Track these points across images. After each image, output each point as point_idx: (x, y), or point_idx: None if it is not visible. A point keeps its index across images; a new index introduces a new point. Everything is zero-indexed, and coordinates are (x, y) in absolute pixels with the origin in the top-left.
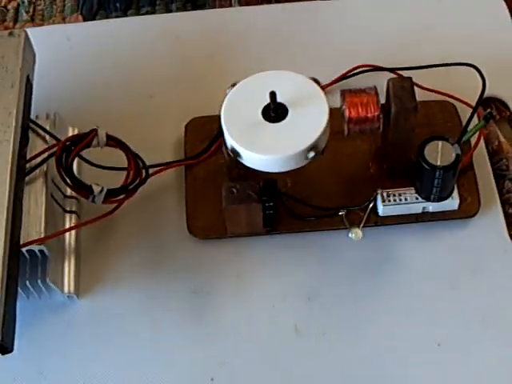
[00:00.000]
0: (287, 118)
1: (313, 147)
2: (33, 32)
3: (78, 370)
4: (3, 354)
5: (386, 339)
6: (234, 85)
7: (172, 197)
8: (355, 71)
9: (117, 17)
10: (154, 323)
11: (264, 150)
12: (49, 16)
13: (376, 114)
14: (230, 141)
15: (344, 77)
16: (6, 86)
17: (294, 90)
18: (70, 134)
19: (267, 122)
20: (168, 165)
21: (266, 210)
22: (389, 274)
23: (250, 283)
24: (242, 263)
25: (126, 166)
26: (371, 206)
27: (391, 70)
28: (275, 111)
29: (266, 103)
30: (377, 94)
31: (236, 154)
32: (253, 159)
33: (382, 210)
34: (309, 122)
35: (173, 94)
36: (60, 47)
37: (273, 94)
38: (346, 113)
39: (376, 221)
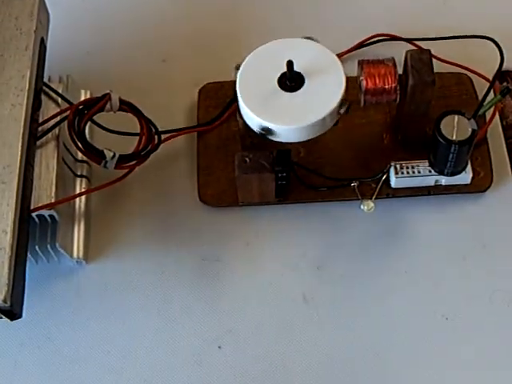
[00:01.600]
0: (304, 87)
1: (331, 115)
2: None
3: (85, 335)
4: (12, 319)
5: (393, 311)
6: (237, 67)
7: (183, 163)
8: (372, 40)
9: None
10: (164, 289)
11: (279, 120)
12: None
13: (393, 85)
14: (245, 109)
15: (360, 45)
16: (19, 48)
17: (311, 59)
18: (83, 97)
19: (283, 91)
20: (180, 131)
21: (279, 181)
22: (399, 247)
23: (260, 251)
24: (252, 231)
25: (137, 131)
26: (384, 177)
27: (408, 41)
28: (292, 80)
29: (281, 72)
30: (395, 65)
31: (265, 130)
32: (277, 130)
33: (394, 181)
34: (325, 91)
35: (186, 59)
36: (72, 6)
37: (290, 63)
38: (364, 83)
39: (388, 193)
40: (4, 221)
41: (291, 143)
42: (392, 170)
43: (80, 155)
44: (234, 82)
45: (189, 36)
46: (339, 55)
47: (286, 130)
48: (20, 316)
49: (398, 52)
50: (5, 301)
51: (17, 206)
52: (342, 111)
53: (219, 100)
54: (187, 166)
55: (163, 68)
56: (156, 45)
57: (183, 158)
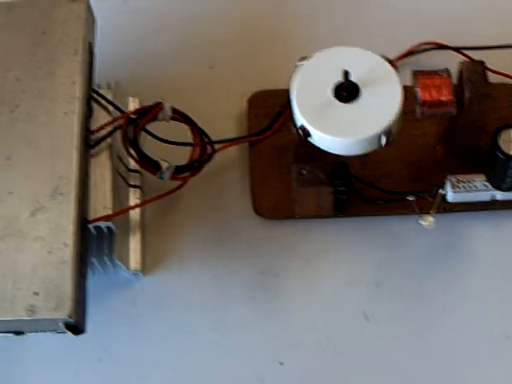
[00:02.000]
0: (360, 99)
1: (387, 131)
2: None
3: (142, 347)
4: (76, 334)
5: (452, 328)
6: (303, 58)
7: (235, 173)
8: (419, 49)
9: None
10: (221, 302)
11: (337, 132)
12: None
13: (450, 97)
14: (301, 120)
15: (408, 54)
16: (68, 53)
17: (367, 69)
18: (131, 104)
19: (339, 102)
20: (233, 141)
21: (338, 194)
22: (457, 262)
23: (318, 266)
24: (309, 245)
25: (184, 139)
26: (442, 192)
27: (456, 50)
28: (348, 91)
29: (336, 81)
30: (449, 76)
31: (306, 134)
32: (325, 140)
33: (451, 196)
34: (382, 103)
35: (234, 65)
36: (116, 11)
37: (346, 73)
38: (420, 95)
39: (445, 207)
40: (65, 233)
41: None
42: (448, 185)
43: (132, 165)
44: (287, 90)
45: (237, 42)
46: (394, 65)
47: (332, 141)
48: (84, 331)
49: (446, 61)
50: (70, 316)
51: (76, 217)
52: (382, 142)
53: (269, 109)
54: (240, 176)
55: (210, 75)
56: (203, 51)
57: (235, 167)
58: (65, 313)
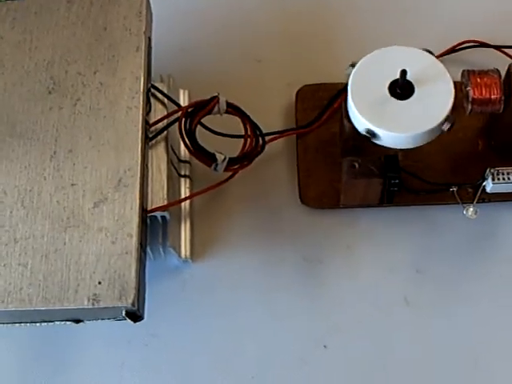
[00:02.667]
0: (414, 96)
1: (442, 123)
2: None
3: (191, 333)
4: (135, 321)
5: (490, 315)
6: (353, 65)
7: (282, 165)
8: (461, 46)
9: None
10: (267, 288)
11: (397, 128)
12: None
13: (499, 96)
14: (362, 120)
15: (450, 51)
16: (130, 49)
17: (421, 68)
18: (181, 96)
19: (393, 99)
20: (282, 133)
21: (391, 187)
22: (495, 250)
23: (361, 254)
24: (352, 234)
25: (235, 132)
26: (483, 184)
27: (497, 48)
28: (402, 88)
29: (391, 79)
30: (500, 76)
31: (372, 135)
32: (386, 137)
33: (490, 187)
34: (435, 101)
35: (281, 59)
36: (164, 2)
37: (404, 72)
38: (471, 93)
39: (484, 197)
40: (129, 224)
41: (393, 148)
42: (489, 176)
43: (183, 155)
44: (334, 84)
45: (284, 36)
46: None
47: (396, 137)
48: (143, 318)
49: (486, 58)
50: (133, 304)
51: (140, 208)
52: (444, 128)
53: (317, 102)
54: (287, 168)
55: (258, 68)
56: (251, 44)
57: (282, 159)
58: (128, 301)
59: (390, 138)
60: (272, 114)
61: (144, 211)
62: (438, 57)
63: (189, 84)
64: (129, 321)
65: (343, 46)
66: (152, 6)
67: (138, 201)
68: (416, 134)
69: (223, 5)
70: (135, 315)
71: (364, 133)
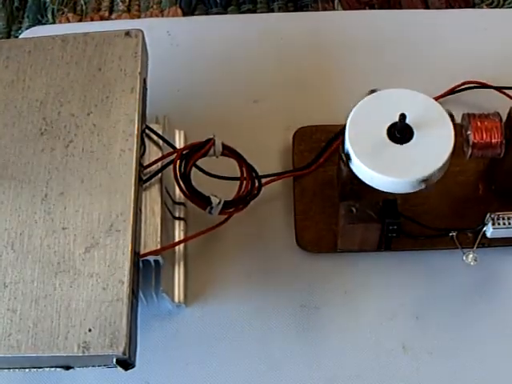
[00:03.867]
0: (413, 140)
1: (435, 174)
2: (131, 25)
3: (184, 379)
4: (126, 369)
5: (491, 363)
6: (373, 91)
7: (279, 207)
8: (462, 87)
9: (217, 13)
10: (262, 335)
11: (387, 172)
12: (145, 7)
13: (500, 140)
14: (356, 160)
15: (450, 92)
16: (125, 90)
17: (420, 112)
18: (177, 137)
19: (392, 143)
20: (279, 175)
21: (389, 233)
22: (495, 296)
23: (359, 300)
24: (350, 279)
25: (231, 174)
26: (484, 229)
27: (497, 89)
28: (401, 132)
29: (391, 122)
30: (501, 120)
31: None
32: (378, 180)
33: (491, 232)
34: (433, 147)
35: (278, 99)
36: (160, 43)
37: (403, 116)
38: (471, 137)
39: (484, 242)
40: (120, 270)
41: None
42: (490, 221)
43: (178, 197)
44: (332, 126)
45: (281, 77)
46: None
47: (394, 182)
48: (134, 365)
49: (487, 99)
50: (124, 353)
51: (132, 254)
52: (422, 186)
53: (313, 144)
54: (283, 211)
55: (255, 109)
56: (247, 84)
57: (279, 201)
58: (120, 350)
59: (388, 183)
60: (269, 156)
61: (136, 256)
62: (438, 98)
63: (185, 125)
64: (120, 369)
65: (341, 88)
66: (149, 46)
67: (130, 246)
68: (415, 179)
69: (221, 46)
70: (126, 363)
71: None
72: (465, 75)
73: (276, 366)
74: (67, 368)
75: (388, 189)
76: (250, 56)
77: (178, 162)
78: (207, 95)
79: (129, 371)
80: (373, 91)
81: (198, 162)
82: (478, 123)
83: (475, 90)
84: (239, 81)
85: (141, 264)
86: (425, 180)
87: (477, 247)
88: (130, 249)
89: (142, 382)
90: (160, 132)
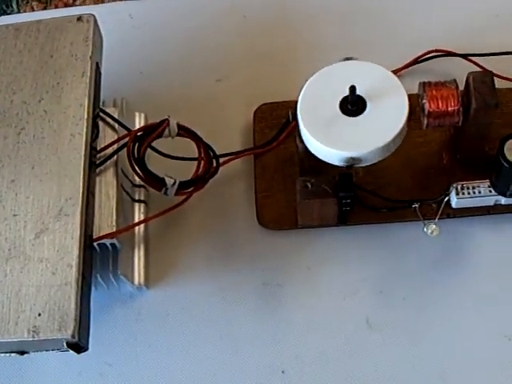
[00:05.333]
0: (365, 112)
1: (391, 142)
2: (93, 10)
3: (146, 361)
4: (79, 352)
5: (456, 333)
6: (348, 59)
7: (240, 186)
8: (427, 56)
9: None
10: (225, 315)
11: (341, 146)
12: None
13: (456, 108)
14: (306, 134)
15: (416, 61)
16: (76, 75)
17: (374, 83)
18: (137, 119)
19: (344, 116)
20: (237, 154)
21: (343, 207)
22: (460, 267)
23: (321, 275)
24: (312, 255)
25: (191, 154)
26: (446, 199)
27: (463, 56)
28: (354, 104)
29: (343, 95)
30: (457, 87)
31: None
32: (327, 154)
33: (455, 202)
34: (387, 117)
35: (240, 78)
36: (122, 26)
37: (353, 88)
38: (426, 106)
39: (448, 213)
40: (69, 255)
41: None
42: (453, 191)
43: (137, 180)
44: (292, 103)
45: (243, 56)
46: (394, 72)
47: (345, 155)
48: (86, 349)
49: (454, 68)
50: (73, 336)
51: (80, 238)
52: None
53: (274, 121)
54: (245, 189)
55: (217, 88)
56: (209, 64)
57: (240, 180)
58: (68, 333)
59: (340, 156)
60: (232, 135)
61: (88, 240)
62: (402, 68)
63: (147, 107)
64: (72, 352)
65: (306, 63)
66: (111, 30)
67: (78, 230)
68: (368, 151)
69: (183, 27)
70: (78, 346)
71: (344, 163)
72: (432, 45)
73: (239, 346)
74: (22, 353)
75: (342, 163)
76: (212, 35)
77: (132, 144)
78: (170, 77)
79: (92, 353)
80: (348, 58)
81: (160, 145)
82: (434, 91)
83: (442, 58)
84: (202, 61)
85: (97, 248)
86: (379, 151)
87: (441, 218)
88: (78, 233)
89: (104, 364)
90: (116, 115)
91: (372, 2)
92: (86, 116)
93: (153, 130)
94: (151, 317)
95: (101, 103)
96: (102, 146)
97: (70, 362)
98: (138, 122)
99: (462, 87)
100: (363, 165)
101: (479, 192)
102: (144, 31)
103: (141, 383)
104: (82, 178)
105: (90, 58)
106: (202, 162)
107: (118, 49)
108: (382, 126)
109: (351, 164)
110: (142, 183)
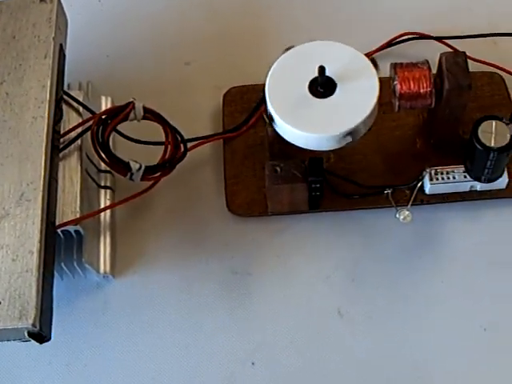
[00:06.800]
0: (335, 94)
1: (359, 127)
2: None
3: (113, 351)
4: (41, 342)
5: (430, 322)
6: (288, 48)
7: (209, 171)
8: (400, 38)
9: None
10: (193, 304)
11: (310, 128)
12: None
13: (429, 89)
14: (277, 119)
15: (389, 44)
16: (38, 56)
17: (344, 64)
18: (103, 103)
19: (314, 98)
20: (206, 139)
21: (313, 192)
22: (434, 255)
23: (292, 263)
24: (283, 242)
25: (161, 139)
26: (419, 185)
27: (437, 39)
28: (323, 86)
29: (313, 76)
30: (429, 68)
31: (270, 119)
32: (297, 137)
33: (429, 188)
34: (357, 99)
35: (210, 61)
36: (88, 8)
37: (322, 69)
38: (398, 88)
39: (422, 199)
40: (30, 240)
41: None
42: (427, 177)
43: (103, 165)
44: (262, 86)
45: (212, 38)
46: (368, 54)
47: (317, 139)
48: (49, 338)
49: (428, 50)
50: (34, 325)
51: (42, 224)
52: (348, 140)
53: (244, 105)
54: (214, 175)
55: (186, 71)
56: (178, 46)
57: (209, 165)
58: (29, 322)
59: (312, 140)
60: (201, 118)
61: (51, 226)
62: (375, 51)
63: (114, 91)
64: (34, 342)
65: (277, 45)
66: (79, 12)
67: (40, 216)
68: (339, 133)
69: (151, 9)
70: (40, 336)
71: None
72: (406, 27)
73: (208, 335)
74: None
75: (313, 146)
76: (181, 18)
77: (96, 127)
78: (138, 60)
79: (58, 344)
80: (288, 48)
81: (128, 128)
82: (405, 73)
83: (416, 41)
84: (170, 44)
85: (61, 235)
86: (350, 133)
87: (415, 205)
88: (40, 218)
89: (71, 355)
90: (81, 98)
91: None
92: (48, 98)
93: (117, 113)
94: (118, 306)
95: (66, 86)
96: (66, 129)
97: (35, 352)
98: (105, 106)
99: (435, 71)
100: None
101: (454, 177)
102: (112, 14)
103: (107, 373)
104: (43, 162)
105: (53, 39)
106: (169, 147)
107: (85, 32)
108: (352, 107)
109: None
110: (108, 169)
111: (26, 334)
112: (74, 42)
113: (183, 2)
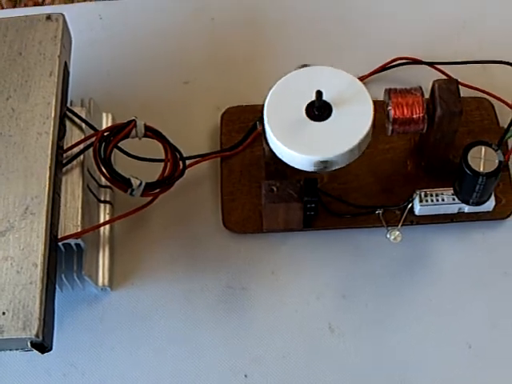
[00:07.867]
0: (331, 118)
1: (355, 148)
2: (63, 10)
3: (110, 362)
4: (43, 352)
5: (418, 339)
6: (302, 66)
7: (206, 188)
8: (393, 63)
9: None
10: (189, 317)
11: (306, 150)
12: None
13: (421, 115)
14: (272, 138)
15: (382, 69)
16: (44, 74)
17: (340, 89)
18: (104, 120)
19: (310, 120)
20: (204, 157)
21: (308, 211)
22: (423, 274)
23: (285, 280)
24: (277, 259)
25: (159, 156)
26: (409, 206)
27: (429, 64)
28: (319, 110)
29: (310, 100)
30: (422, 94)
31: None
32: (293, 158)
33: (418, 209)
34: (352, 123)
35: (208, 80)
36: (90, 26)
37: (319, 93)
38: (391, 113)
39: (412, 220)
40: (34, 253)
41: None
42: (417, 198)
43: (103, 180)
44: (260, 106)
45: (211, 58)
46: (361, 78)
47: (312, 160)
48: (51, 349)
49: (420, 75)
50: (37, 336)
51: (46, 237)
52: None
53: (242, 124)
54: (211, 192)
55: (185, 90)
56: (177, 66)
57: (206, 183)
58: (32, 332)
59: (307, 161)
60: (199, 136)
61: (54, 239)
62: (368, 75)
63: (114, 108)
64: (36, 352)
65: (274, 67)
66: (81, 30)
67: (44, 229)
68: (332, 156)
69: (152, 28)
70: (42, 346)
71: (315, 168)
72: (399, 52)
73: (202, 349)
74: None
75: (308, 167)
76: (181, 37)
77: (98, 144)
78: (138, 78)
79: (56, 354)
80: (304, 66)
81: (128, 146)
82: (399, 98)
83: (408, 66)
84: (170, 63)
85: (62, 248)
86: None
87: (405, 225)
88: (44, 232)
89: (68, 365)
90: (83, 115)
91: (339, 9)
92: (53, 115)
93: (120, 131)
94: (115, 318)
95: (68, 103)
96: (69, 145)
97: (33, 362)
98: (106, 123)
99: (427, 95)
100: (329, 169)
101: (442, 200)
102: (113, 32)
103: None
104: (48, 177)
105: (59, 57)
106: (169, 164)
107: (86, 49)
108: (347, 131)
109: (321, 168)
110: (108, 184)
111: (28, 344)
112: (76, 58)
113: (183, 21)
